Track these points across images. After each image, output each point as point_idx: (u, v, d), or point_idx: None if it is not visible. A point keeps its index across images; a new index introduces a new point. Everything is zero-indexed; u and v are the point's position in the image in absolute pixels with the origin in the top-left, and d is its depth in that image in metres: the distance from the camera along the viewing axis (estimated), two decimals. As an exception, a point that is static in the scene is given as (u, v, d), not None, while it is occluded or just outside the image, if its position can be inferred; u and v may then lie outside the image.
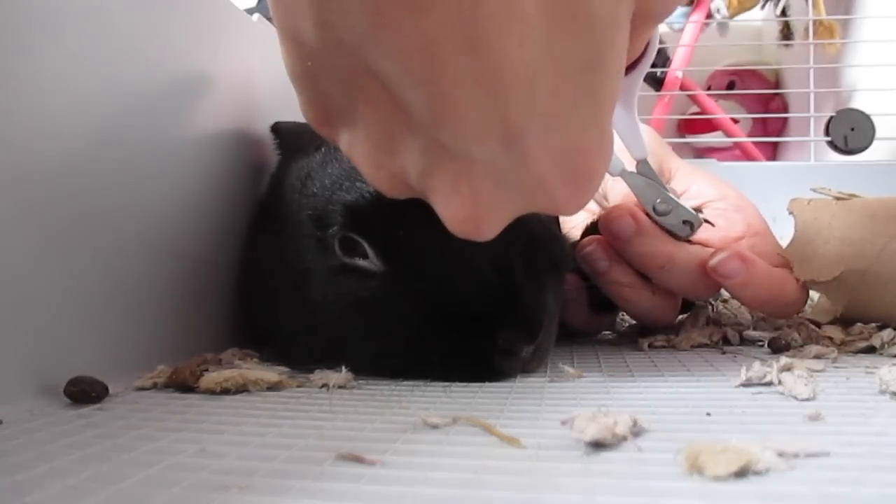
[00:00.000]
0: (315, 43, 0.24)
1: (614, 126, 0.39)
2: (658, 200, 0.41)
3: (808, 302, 0.47)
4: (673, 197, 0.41)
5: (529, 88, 0.22)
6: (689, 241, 0.43)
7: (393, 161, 0.26)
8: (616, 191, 0.47)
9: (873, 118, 1.19)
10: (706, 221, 0.44)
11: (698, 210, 0.47)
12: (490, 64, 0.22)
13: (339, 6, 0.22)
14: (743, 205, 0.48)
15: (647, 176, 0.41)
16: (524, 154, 0.24)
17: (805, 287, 0.44)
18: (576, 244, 0.45)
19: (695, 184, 0.49)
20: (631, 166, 0.41)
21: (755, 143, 1.55)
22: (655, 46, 0.34)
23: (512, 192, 0.26)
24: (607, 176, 0.47)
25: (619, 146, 0.38)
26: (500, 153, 0.24)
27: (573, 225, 0.50)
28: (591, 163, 0.26)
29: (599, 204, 0.51)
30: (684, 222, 0.41)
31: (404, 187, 0.27)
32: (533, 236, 0.37)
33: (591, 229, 0.47)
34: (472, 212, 0.26)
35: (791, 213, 0.46)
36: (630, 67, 0.35)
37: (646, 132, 0.51)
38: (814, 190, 0.47)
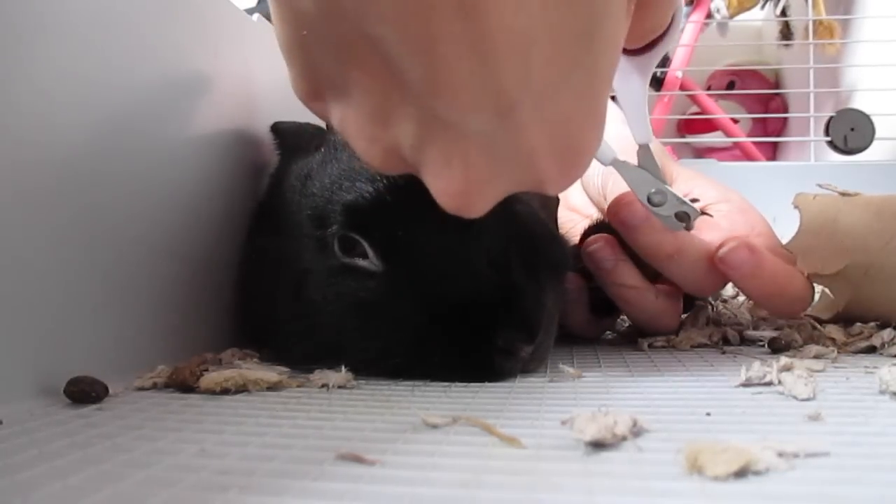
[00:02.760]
0: (313, 10, 0.24)
1: (622, 103, 0.38)
2: (653, 191, 0.40)
3: (810, 299, 0.47)
4: (667, 188, 0.40)
5: (524, 57, 0.23)
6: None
7: (386, 133, 0.26)
8: (616, 191, 0.47)
9: (873, 118, 1.19)
10: (704, 213, 0.44)
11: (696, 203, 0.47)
12: (485, 30, 0.22)
13: None
14: (745, 207, 0.48)
15: (646, 164, 0.39)
16: (517, 125, 0.24)
17: (811, 284, 0.44)
18: (576, 247, 0.45)
19: (697, 187, 0.49)
20: (624, 155, 0.40)
21: (755, 143, 1.55)
22: (680, 20, 0.33)
23: (503, 166, 0.26)
24: (607, 175, 0.47)
25: (609, 135, 0.38)
26: (493, 124, 0.24)
27: (571, 227, 0.50)
28: (582, 135, 0.26)
29: (598, 204, 0.51)
30: (680, 215, 0.41)
31: (397, 161, 0.27)
32: (533, 236, 0.37)
33: (590, 233, 0.47)
34: (463, 186, 0.26)
35: (796, 207, 0.46)
36: (653, 43, 0.34)
37: None
38: (819, 186, 0.47)
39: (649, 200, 0.40)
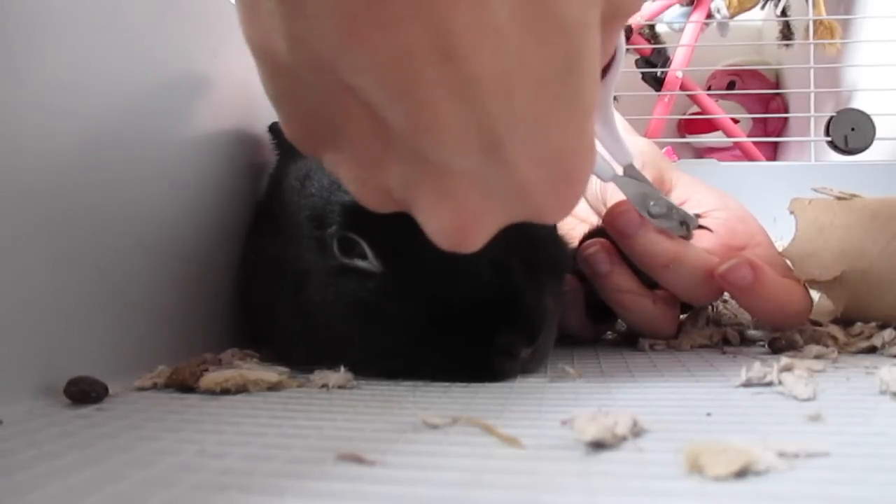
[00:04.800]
0: (289, 61, 0.24)
1: (595, 136, 0.38)
2: (652, 203, 0.40)
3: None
4: (666, 199, 0.41)
5: (506, 96, 0.22)
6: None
7: (376, 176, 0.26)
8: (616, 197, 0.47)
9: (873, 118, 1.19)
10: (702, 227, 0.44)
11: (697, 217, 0.47)
12: (465, 74, 0.22)
13: (311, 24, 0.22)
14: (744, 215, 0.48)
15: (636, 180, 0.40)
16: (506, 161, 0.24)
17: (810, 297, 0.44)
18: (575, 250, 0.45)
19: (696, 193, 0.49)
20: (621, 172, 0.40)
21: (755, 143, 1.55)
22: (623, 52, 0.34)
23: (497, 200, 0.26)
24: (606, 185, 0.47)
25: (608, 153, 0.38)
26: (481, 162, 0.24)
27: (570, 227, 0.50)
28: (574, 165, 0.26)
29: (598, 211, 0.51)
30: (680, 223, 0.41)
31: (390, 201, 0.27)
32: (533, 238, 0.37)
33: (588, 238, 0.47)
34: (457, 223, 0.26)
35: (792, 212, 0.46)
36: (601, 74, 0.35)
37: (644, 143, 0.51)
38: (815, 189, 0.47)
39: (650, 213, 0.40)
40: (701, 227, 0.44)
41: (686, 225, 0.41)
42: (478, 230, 0.27)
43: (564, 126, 0.24)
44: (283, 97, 0.26)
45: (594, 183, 0.49)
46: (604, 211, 0.46)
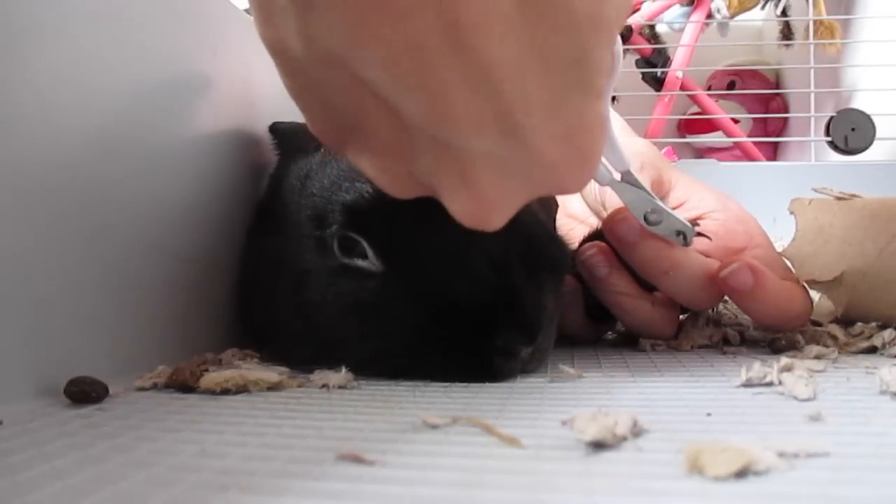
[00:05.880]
0: (304, 58, 0.24)
1: None
2: (649, 210, 0.40)
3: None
4: (664, 207, 0.40)
5: (519, 83, 0.23)
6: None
7: (398, 164, 0.27)
8: (615, 200, 0.47)
9: (874, 118, 1.19)
10: (701, 234, 0.44)
11: (695, 222, 0.47)
12: (475, 62, 0.22)
13: (322, 19, 0.22)
14: (743, 216, 0.48)
15: (634, 186, 0.40)
16: (524, 142, 0.25)
17: (810, 299, 0.44)
18: (575, 252, 0.45)
19: (695, 194, 0.49)
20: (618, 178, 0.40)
21: (755, 143, 1.55)
22: (620, 59, 0.34)
23: (517, 178, 0.26)
24: (605, 188, 0.47)
25: (605, 159, 0.38)
26: (500, 145, 0.24)
27: (570, 228, 0.50)
28: (590, 141, 0.26)
29: (597, 213, 0.50)
30: (677, 233, 0.40)
31: (412, 185, 0.28)
32: (532, 237, 0.37)
33: (588, 241, 0.47)
34: (480, 203, 0.26)
35: (792, 212, 0.46)
36: None
37: (643, 144, 0.51)
38: (815, 190, 0.47)
39: (646, 220, 0.40)
40: (700, 234, 0.44)
41: (683, 235, 0.41)
42: (501, 209, 0.27)
43: (579, 108, 0.25)
44: (303, 94, 0.27)
45: (593, 185, 0.49)
46: (603, 213, 0.46)
